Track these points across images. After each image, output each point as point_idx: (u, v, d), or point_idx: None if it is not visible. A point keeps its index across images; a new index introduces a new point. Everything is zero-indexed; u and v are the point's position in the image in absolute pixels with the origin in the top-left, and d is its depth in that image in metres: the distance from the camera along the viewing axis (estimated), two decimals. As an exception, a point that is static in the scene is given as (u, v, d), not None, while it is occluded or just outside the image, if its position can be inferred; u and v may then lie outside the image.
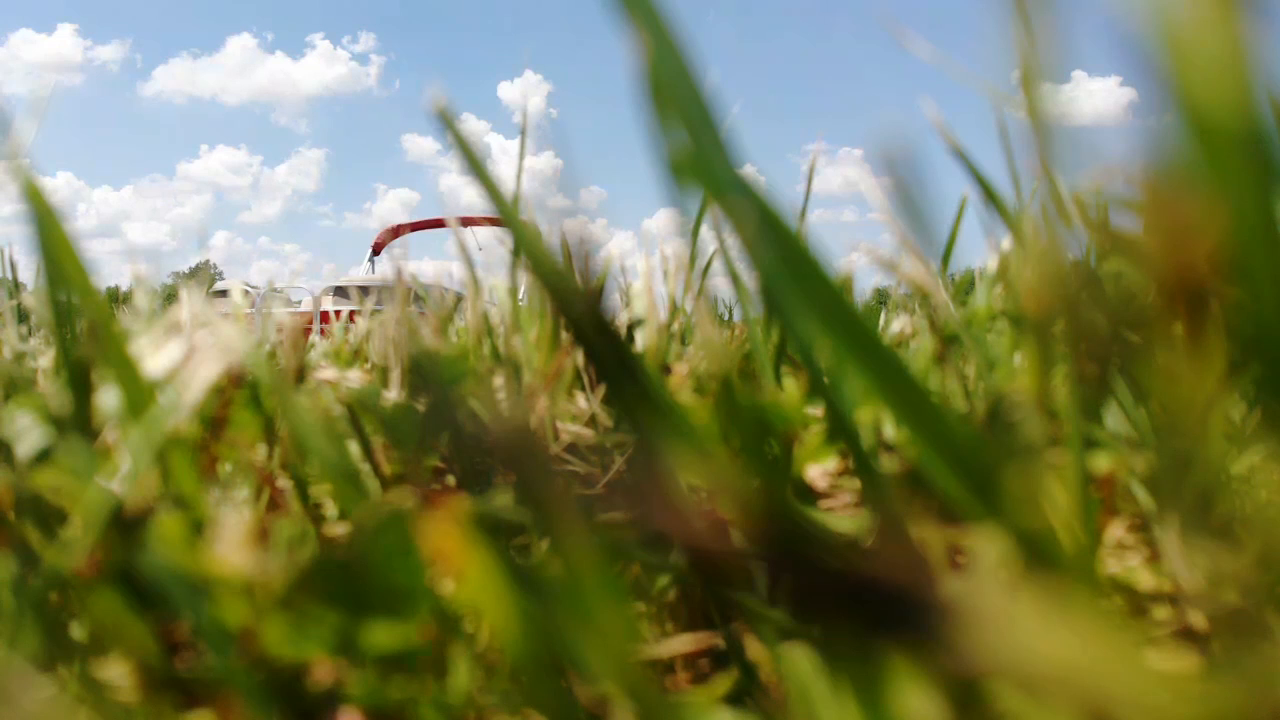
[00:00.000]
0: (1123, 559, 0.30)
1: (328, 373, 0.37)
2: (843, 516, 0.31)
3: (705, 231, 0.47)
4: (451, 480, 0.34)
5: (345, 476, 0.25)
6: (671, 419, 0.17)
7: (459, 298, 0.55)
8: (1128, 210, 0.14)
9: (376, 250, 13.13)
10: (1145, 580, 0.29)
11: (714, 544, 0.14)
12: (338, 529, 0.31)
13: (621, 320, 0.49)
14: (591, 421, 0.40)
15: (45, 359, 0.51)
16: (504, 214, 0.18)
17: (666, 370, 0.44)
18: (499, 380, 0.42)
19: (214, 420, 0.32)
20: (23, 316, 0.77)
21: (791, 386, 0.38)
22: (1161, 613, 0.27)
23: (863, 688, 0.14)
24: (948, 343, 0.38)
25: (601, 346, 0.17)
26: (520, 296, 0.51)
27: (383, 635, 0.21)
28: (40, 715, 0.20)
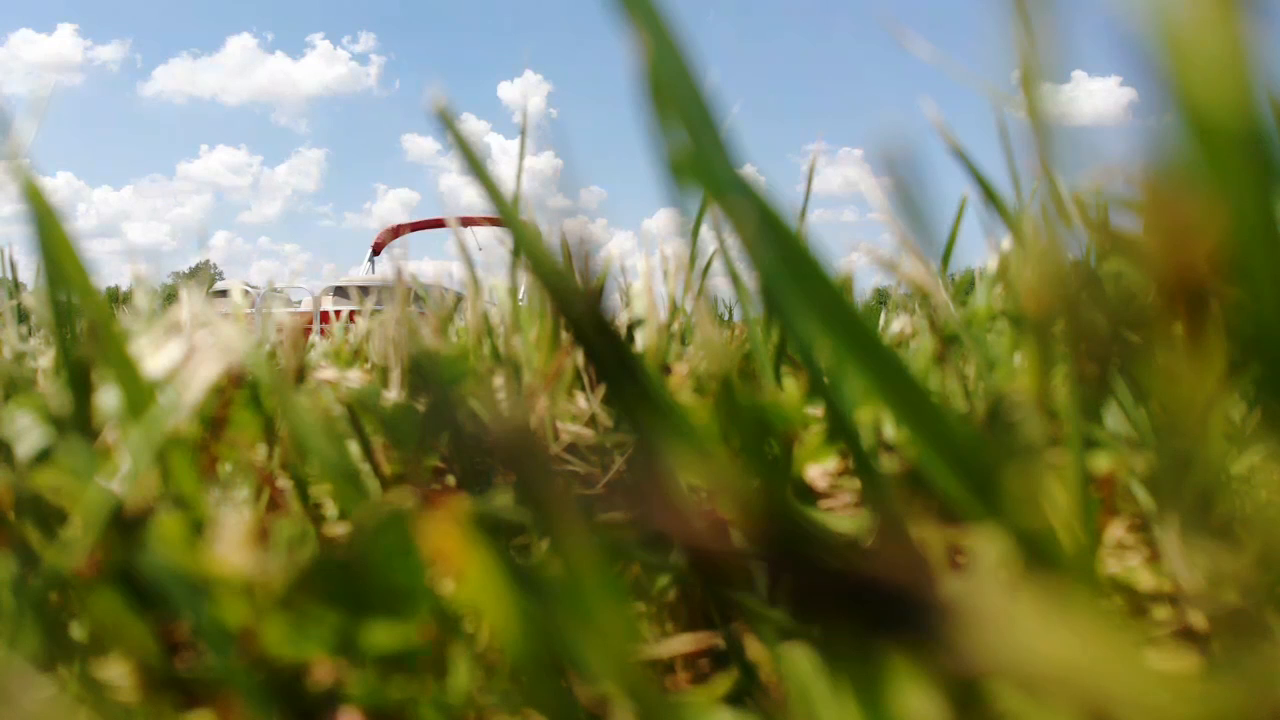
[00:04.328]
0: (1123, 559, 0.30)
1: (328, 373, 0.37)
2: (843, 516, 0.31)
3: (705, 231, 0.47)
4: (451, 480, 0.34)
5: (345, 476, 0.25)
6: (671, 419, 0.17)
7: (459, 298, 0.55)
8: (1128, 210, 0.14)
9: (376, 250, 13.13)
10: (1145, 580, 0.29)
11: (714, 544, 0.14)
12: (338, 529, 0.31)
13: (621, 320, 0.49)
14: (591, 421, 0.40)
15: (45, 359, 0.51)
16: (504, 214, 0.18)
17: (666, 370, 0.44)
18: (499, 380, 0.42)
19: (214, 420, 0.32)
20: (23, 316, 0.77)
21: (791, 386, 0.38)
22: (1161, 613, 0.27)
23: (863, 688, 0.14)
24: (948, 343, 0.38)
25: (601, 346, 0.17)
26: (520, 296, 0.51)
27: (383, 635, 0.21)
28: (40, 715, 0.20)
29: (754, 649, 0.22)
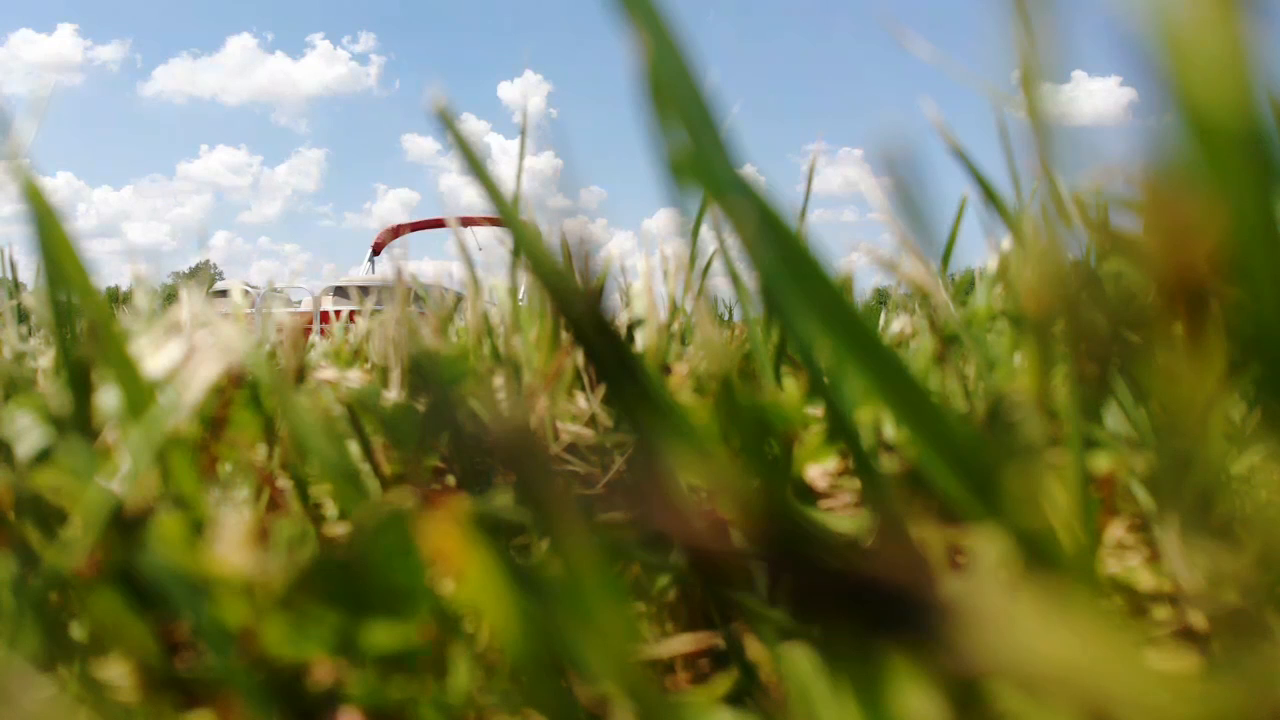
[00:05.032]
0: (1123, 559, 0.30)
1: (328, 373, 0.37)
2: (843, 516, 0.31)
3: (705, 231, 0.47)
4: (451, 480, 0.34)
5: (345, 476, 0.25)
6: (671, 419, 0.17)
7: (459, 298, 0.55)
8: (1128, 210, 0.14)
9: (376, 250, 13.14)
10: (1145, 580, 0.29)
11: (714, 544, 0.14)
12: (338, 529, 0.31)
13: (621, 320, 0.49)
14: (591, 421, 0.40)
15: (45, 359, 0.51)
16: (504, 214, 0.18)
17: (666, 370, 0.44)
18: (499, 380, 0.42)
19: (214, 420, 0.32)
20: (23, 316, 0.77)
21: (791, 386, 0.38)
22: (1161, 613, 0.27)
23: (863, 688, 0.14)
24: (948, 343, 0.38)
25: (601, 346, 0.17)
26: (520, 296, 0.51)
27: (383, 635, 0.21)
28: (40, 715, 0.20)
29: (754, 649, 0.22)
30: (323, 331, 0.87)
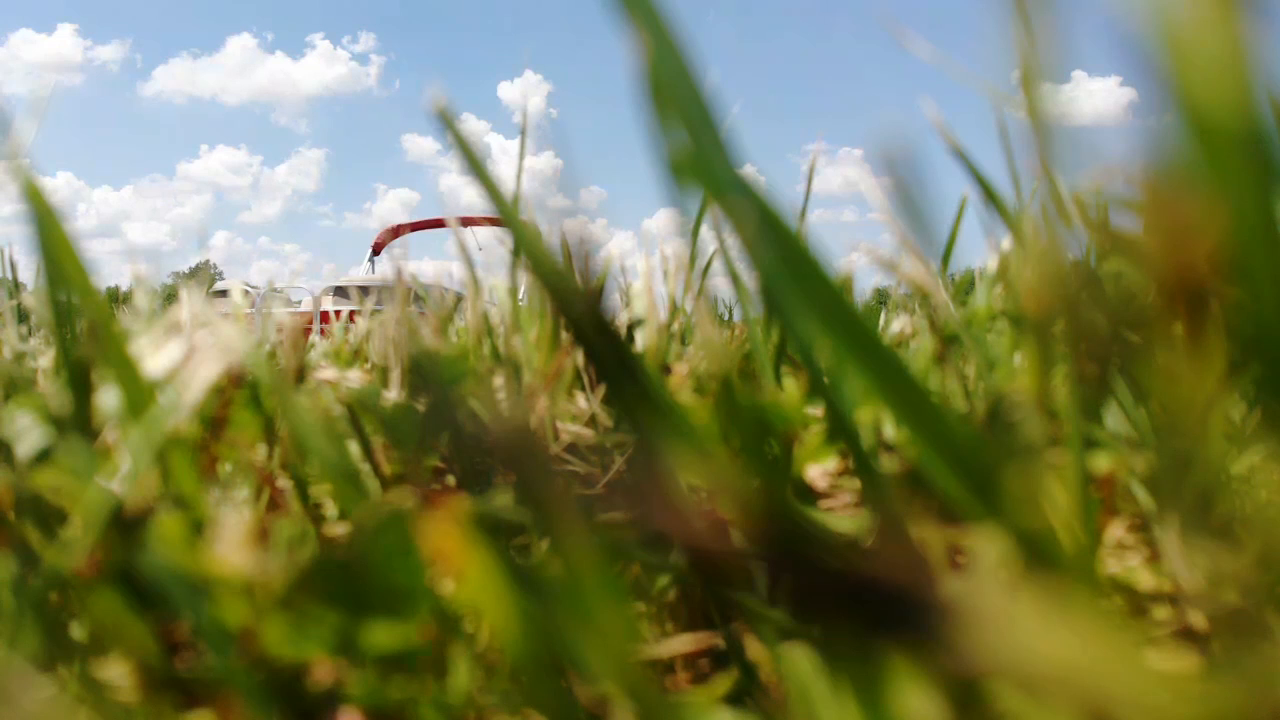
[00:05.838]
0: (1123, 559, 0.30)
1: (328, 373, 0.37)
2: (843, 516, 0.31)
3: (705, 231, 0.47)
4: (451, 480, 0.34)
5: (345, 476, 0.25)
6: (671, 419, 0.17)
7: (459, 298, 0.55)
8: (1128, 210, 0.14)
9: (376, 250, 13.14)
10: (1145, 580, 0.29)
11: (714, 544, 0.14)
12: (338, 529, 0.31)
13: (621, 320, 0.49)
14: (591, 421, 0.40)
15: (45, 359, 0.51)
16: (504, 214, 0.18)
17: (666, 370, 0.44)
18: (499, 380, 0.42)
19: (214, 420, 0.32)
20: (23, 316, 0.77)
21: (791, 386, 0.38)
22: (1161, 613, 0.27)
23: (863, 688, 0.14)
24: (948, 343, 0.38)
25: (601, 346, 0.17)
26: (520, 296, 0.51)
27: (383, 635, 0.21)
28: (40, 715, 0.20)
29: (754, 649, 0.22)
30: (323, 331, 0.87)
